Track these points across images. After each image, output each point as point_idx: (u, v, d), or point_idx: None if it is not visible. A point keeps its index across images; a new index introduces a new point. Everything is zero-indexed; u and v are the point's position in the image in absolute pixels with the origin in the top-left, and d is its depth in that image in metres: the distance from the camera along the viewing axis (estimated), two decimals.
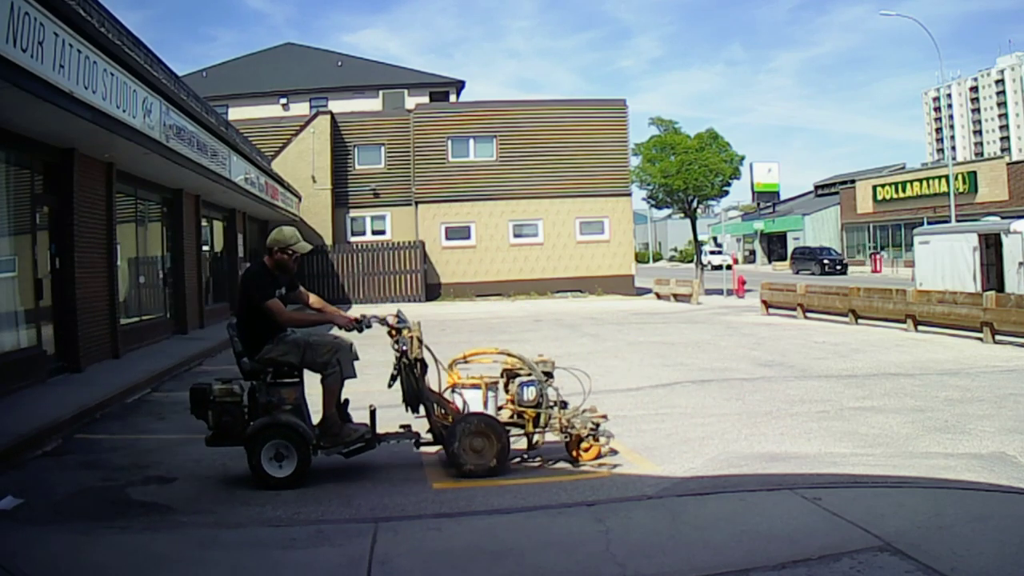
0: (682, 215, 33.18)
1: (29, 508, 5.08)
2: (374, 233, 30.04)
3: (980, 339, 13.30)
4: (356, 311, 6.33)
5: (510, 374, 6.21)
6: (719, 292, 29.23)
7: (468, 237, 29.71)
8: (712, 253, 55.90)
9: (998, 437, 6.52)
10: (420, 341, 5.83)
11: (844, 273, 42.73)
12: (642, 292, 29.75)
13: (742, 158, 30.05)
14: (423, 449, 6.10)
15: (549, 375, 6.20)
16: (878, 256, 46.03)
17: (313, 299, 6.23)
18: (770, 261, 61.63)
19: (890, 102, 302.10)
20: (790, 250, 53.79)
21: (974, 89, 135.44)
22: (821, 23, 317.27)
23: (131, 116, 9.81)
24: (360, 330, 5.90)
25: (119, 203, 12.57)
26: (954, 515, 4.45)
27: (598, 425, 5.99)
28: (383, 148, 30.41)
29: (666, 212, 56.57)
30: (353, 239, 29.67)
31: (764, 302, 20.62)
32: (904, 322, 15.37)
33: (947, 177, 34.49)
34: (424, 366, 5.87)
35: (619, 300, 27.56)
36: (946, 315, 14.39)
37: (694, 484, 5.40)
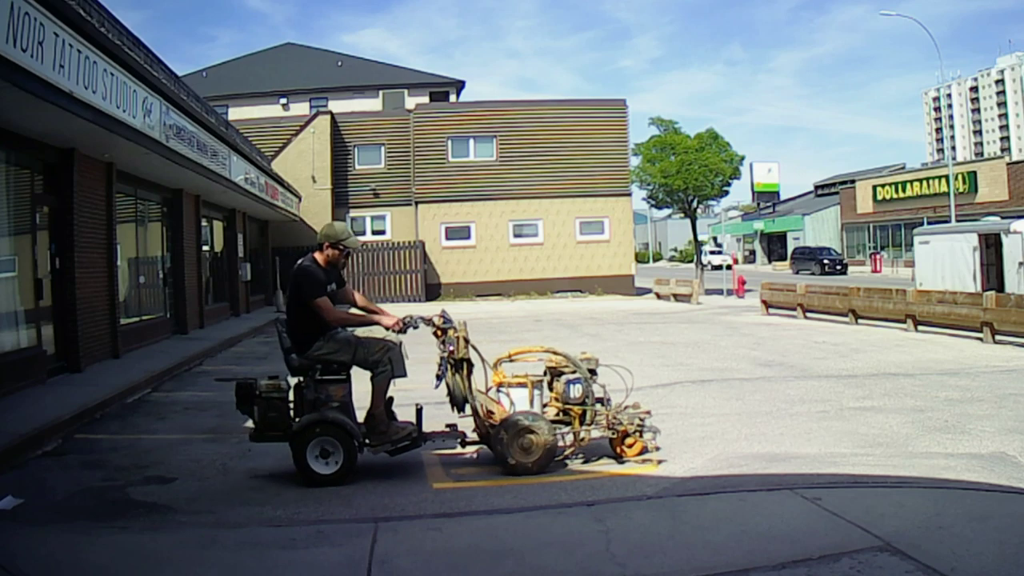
0: (682, 215, 33.19)
1: (29, 508, 5.08)
2: (374, 233, 30.04)
3: (980, 339, 13.30)
4: (401, 311, 6.33)
5: (554, 372, 6.23)
6: (719, 292, 29.23)
7: (468, 237, 29.71)
8: (712, 253, 55.91)
9: (998, 437, 6.52)
10: (466, 341, 5.86)
11: (844, 273, 42.74)
12: (642, 292, 29.76)
13: (742, 158, 30.06)
14: (423, 449, 6.09)
15: (593, 372, 6.23)
16: (878, 256, 46.04)
17: (359, 298, 6.24)
18: (770, 261, 61.64)
19: (890, 102, 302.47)
20: (790, 250, 53.79)
21: (974, 89, 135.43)
22: (821, 23, 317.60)
23: (131, 116, 9.80)
24: (405, 331, 5.89)
25: (119, 203, 12.57)
26: (954, 515, 4.45)
27: (644, 421, 6.04)
28: (383, 148, 30.42)
29: (666, 212, 56.60)
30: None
31: (764, 302, 20.62)
32: (904, 322, 15.37)
33: (947, 177, 34.50)
34: (470, 365, 5.90)
35: (619, 300, 27.56)
36: (946, 315, 14.39)
37: (694, 484, 5.40)
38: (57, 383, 9.29)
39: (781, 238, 61.52)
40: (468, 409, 5.88)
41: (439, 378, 5.90)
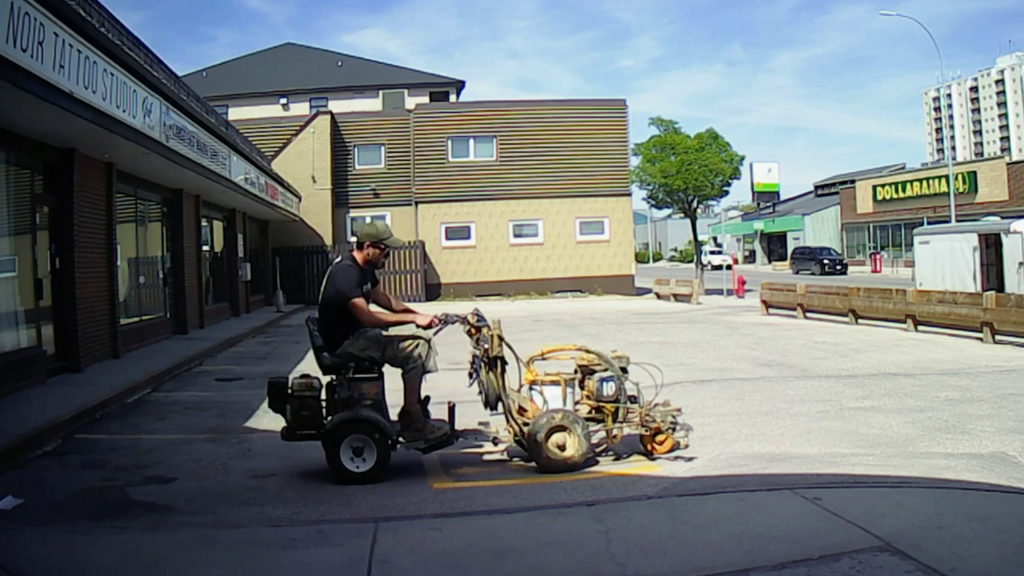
0: (682, 215, 33.19)
1: (29, 508, 5.07)
2: None
3: (980, 339, 13.29)
4: (436, 309, 6.37)
5: (585, 370, 6.26)
6: (719, 292, 29.23)
7: (468, 237, 29.71)
8: (712, 253, 55.91)
9: (998, 437, 6.52)
10: (501, 339, 5.89)
11: (844, 273, 42.74)
12: (642, 292, 29.75)
13: (742, 158, 30.06)
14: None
15: (624, 370, 6.28)
16: (878, 256, 46.05)
17: (392, 300, 6.31)
18: (770, 261, 61.64)
19: (890, 102, 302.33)
20: (790, 250, 53.79)
21: (974, 89, 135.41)
22: (821, 23, 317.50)
23: (131, 116, 9.80)
24: (441, 329, 5.93)
25: (119, 203, 12.56)
26: (954, 515, 4.45)
27: (676, 418, 6.13)
28: (383, 148, 30.41)
29: (666, 212, 56.61)
30: (353, 239, 29.58)
31: (764, 302, 20.61)
32: (904, 322, 15.37)
33: (947, 177, 34.50)
34: (504, 364, 5.92)
35: (619, 300, 27.56)
36: (946, 315, 14.39)
37: (694, 484, 5.40)
38: (57, 383, 9.29)
39: (781, 238, 61.52)
40: (501, 407, 5.90)
41: (473, 376, 5.93)
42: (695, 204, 30.64)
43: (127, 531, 4.67)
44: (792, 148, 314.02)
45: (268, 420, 8.01)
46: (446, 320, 5.90)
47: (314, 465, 6.23)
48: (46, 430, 6.93)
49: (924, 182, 43.46)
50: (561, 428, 5.77)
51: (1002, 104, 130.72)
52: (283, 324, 20.80)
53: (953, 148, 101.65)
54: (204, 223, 18.74)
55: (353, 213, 29.99)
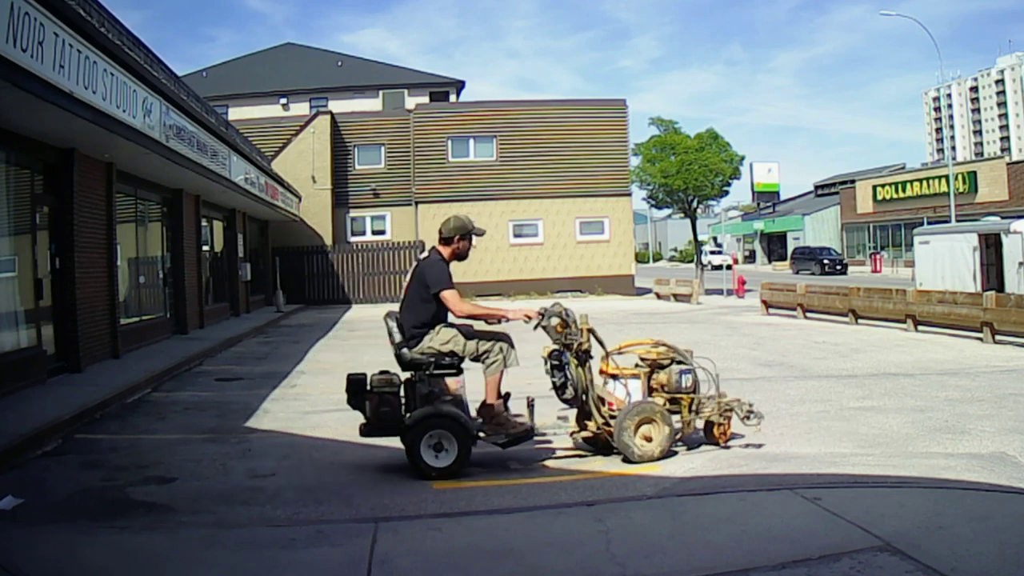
0: (682, 215, 33.21)
1: (29, 508, 5.07)
2: (374, 233, 30.04)
3: (980, 339, 13.29)
4: (535, 304, 6.48)
5: (655, 364, 6.40)
6: (719, 292, 29.23)
7: None
8: (712, 253, 55.90)
9: (998, 437, 6.52)
10: (592, 331, 6.08)
11: (844, 273, 42.74)
12: (642, 292, 29.75)
13: (742, 158, 30.07)
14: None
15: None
16: (878, 256, 46.05)
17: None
18: (770, 261, 61.64)
19: (890, 102, 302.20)
20: (790, 250, 53.79)
21: (974, 89, 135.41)
22: (821, 23, 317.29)
23: (131, 116, 9.80)
24: (539, 324, 6.03)
25: (119, 203, 12.56)
26: (954, 515, 4.45)
27: (752, 407, 6.31)
28: (383, 148, 30.41)
29: (666, 212, 56.64)
30: (353, 239, 29.66)
31: (764, 302, 20.62)
32: (904, 322, 15.37)
33: (947, 177, 34.50)
34: (589, 357, 6.06)
35: (619, 300, 27.55)
36: (946, 315, 14.39)
37: (694, 484, 5.40)
38: (57, 383, 9.29)
39: (781, 238, 61.52)
40: (586, 400, 6.01)
41: (559, 369, 6.03)
42: (695, 204, 30.65)
43: (127, 531, 4.67)
44: (792, 148, 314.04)
45: (268, 420, 8.03)
46: (543, 314, 6.02)
47: (314, 465, 6.24)
48: (46, 430, 6.92)
49: (924, 182, 43.46)
50: (649, 420, 5.94)
51: (1002, 104, 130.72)
52: (283, 324, 20.80)
53: (953, 148, 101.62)
54: (204, 223, 18.74)
55: (353, 213, 30.00)
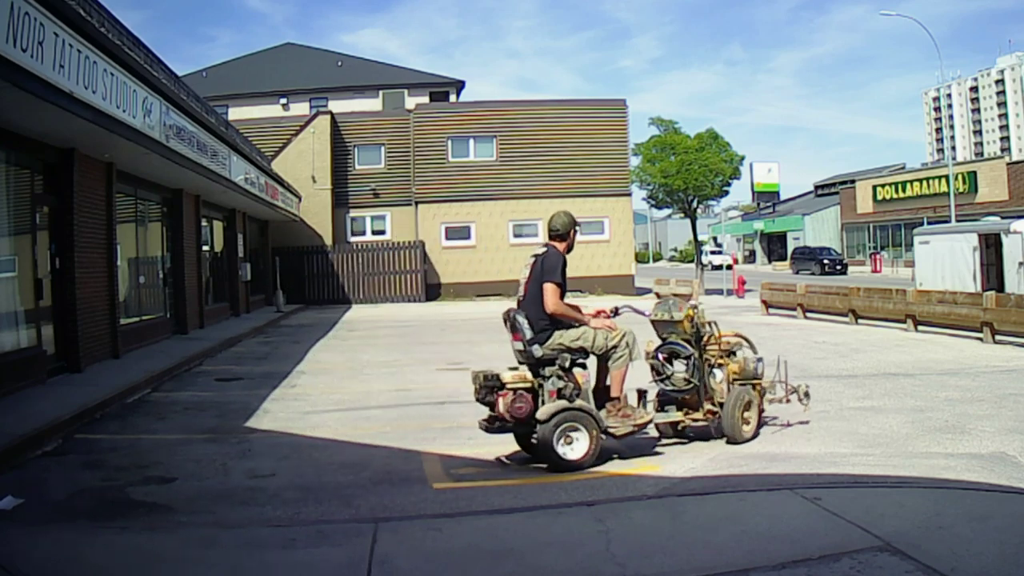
0: (682, 215, 33.22)
1: (29, 508, 5.07)
2: (374, 233, 30.04)
3: (980, 339, 13.29)
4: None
5: (728, 352, 6.79)
6: (719, 292, 29.22)
7: (468, 237, 29.70)
8: (712, 253, 55.92)
9: (998, 437, 6.52)
10: (715, 325, 6.62)
11: (844, 273, 42.73)
12: (642, 292, 29.72)
13: (742, 158, 30.08)
14: (423, 449, 6.09)
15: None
16: (878, 256, 46.04)
17: None
18: (770, 261, 61.64)
19: (890, 102, 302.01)
20: (790, 250, 53.79)
21: (974, 89, 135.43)
22: (821, 23, 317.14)
23: (131, 116, 9.80)
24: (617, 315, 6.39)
25: (119, 203, 12.56)
26: (954, 515, 4.45)
27: (808, 389, 7.04)
28: (383, 148, 30.40)
29: (666, 212, 56.64)
30: (353, 239, 29.66)
31: (764, 302, 20.61)
32: (904, 322, 15.37)
33: (947, 177, 34.50)
34: (704, 349, 6.55)
35: (619, 300, 27.52)
36: (946, 315, 14.39)
37: (694, 484, 5.40)
38: (57, 383, 9.29)
39: (781, 238, 61.52)
40: (704, 389, 6.42)
41: (670, 362, 6.44)
42: (695, 204, 30.65)
43: (127, 531, 4.67)
44: (792, 148, 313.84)
45: (268, 420, 8.03)
46: (616, 312, 6.45)
47: (314, 465, 6.24)
48: (46, 430, 6.92)
49: (924, 182, 43.47)
50: (748, 404, 6.51)
51: (1002, 104, 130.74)
52: (283, 324, 20.80)
53: (953, 148, 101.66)
54: (204, 223, 18.73)
55: (353, 213, 29.99)
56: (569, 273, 6.18)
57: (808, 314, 18.57)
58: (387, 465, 6.11)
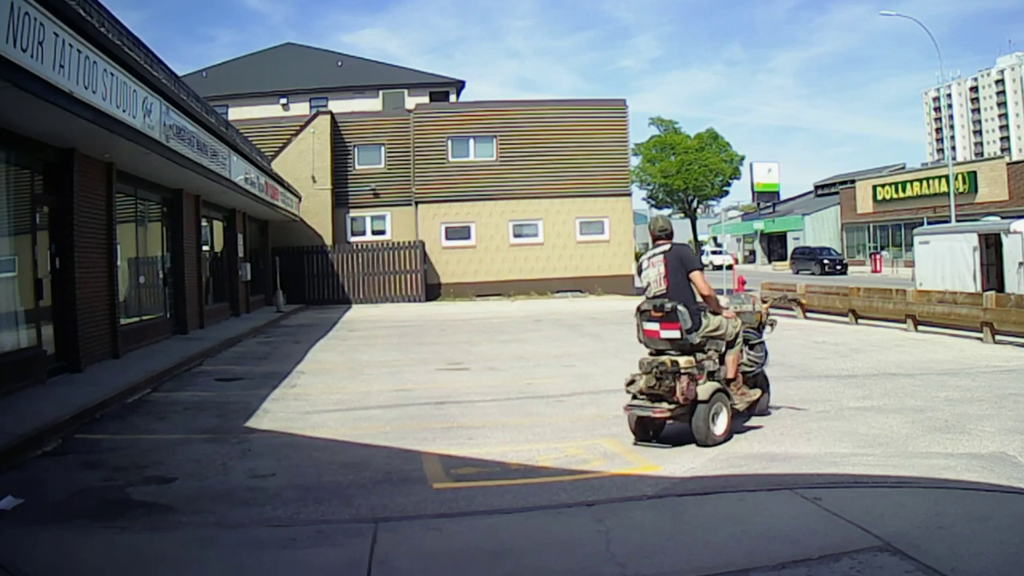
0: (682, 215, 33.24)
1: (29, 508, 5.07)
2: (374, 233, 30.03)
3: (980, 339, 13.29)
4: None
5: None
6: (719, 292, 29.07)
7: (468, 237, 29.70)
8: (712, 253, 55.86)
9: (998, 437, 6.52)
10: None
11: (844, 273, 42.70)
12: (642, 292, 29.70)
13: (742, 158, 30.30)
14: (423, 449, 6.08)
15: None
16: (878, 256, 46.02)
17: None
18: (770, 261, 61.55)
19: (890, 102, 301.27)
20: (790, 250, 53.70)
21: (974, 89, 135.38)
22: (821, 23, 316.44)
23: (131, 116, 9.80)
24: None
25: (119, 203, 12.56)
26: (954, 515, 4.45)
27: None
28: (383, 148, 30.39)
29: (666, 212, 56.57)
30: (353, 239, 29.65)
31: (764, 302, 20.57)
32: (904, 322, 15.37)
33: (947, 177, 34.49)
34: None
35: (619, 300, 27.51)
36: (946, 315, 14.38)
37: (694, 484, 5.40)
38: (57, 383, 9.29)
39: (781, 238, 61.44)
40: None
41: (751, 348, 7.08)
42: (695, 204, 30.76)
43: (127, 531, 4.67)
44: (792, 148, 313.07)
45: (268, 420, 8.03)
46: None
47: (314, 465, 6.24)
48: (46, 430, 6.92)
49: (924, 182, 43.45)
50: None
51: (1002, 104, 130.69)
52: (283, 324, 20.80)
53: (953, 148, 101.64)
54: (204, 223, 18.73)
55: (353, 213, 29.99)
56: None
57: (808, 314, 18.57)
58: (387, 465, 6.11)
